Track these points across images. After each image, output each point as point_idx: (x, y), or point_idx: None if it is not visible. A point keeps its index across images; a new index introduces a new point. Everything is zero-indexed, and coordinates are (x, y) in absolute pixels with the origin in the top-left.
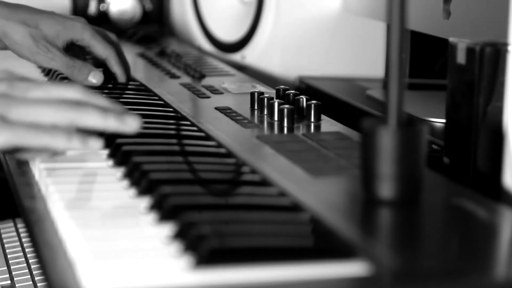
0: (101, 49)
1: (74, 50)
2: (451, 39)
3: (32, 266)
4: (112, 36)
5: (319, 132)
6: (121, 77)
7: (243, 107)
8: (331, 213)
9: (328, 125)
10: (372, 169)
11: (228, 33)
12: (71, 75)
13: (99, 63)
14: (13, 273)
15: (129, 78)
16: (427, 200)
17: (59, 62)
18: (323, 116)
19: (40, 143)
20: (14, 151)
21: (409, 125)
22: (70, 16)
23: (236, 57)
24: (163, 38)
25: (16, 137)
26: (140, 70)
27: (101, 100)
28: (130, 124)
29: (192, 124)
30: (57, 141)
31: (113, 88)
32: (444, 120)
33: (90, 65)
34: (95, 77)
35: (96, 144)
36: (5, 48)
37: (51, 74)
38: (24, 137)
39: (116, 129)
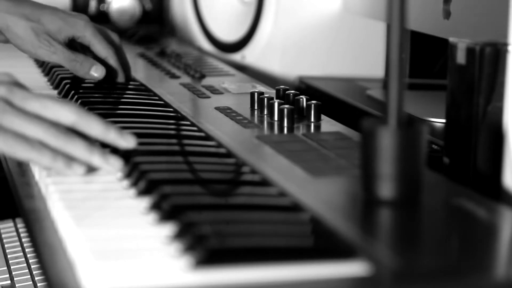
0: (101, 48)
1: (75, 47)
2: (451, 39)
3: (32, 266)
4: (115, 36)
5: (319, 132)
6: (120, 77)
7: (243, 107)
8: (331, 213)
9: (328, 125)
10: (372, 169)
11: (228, 33)
12: (73, 68)
13: (101, 62)
14: (13, 273)
15: (129, 79)
16: (427, 200)
17: (61, 56)
18: (323, 116)
19: (26, 156)
20: None
21: (409, 125)
22: (73, 12)
23: (236, 57)
24: (163, 38)
25: (4, 144)
26: (140, 70)
27: (94, 122)
28: (113, 163)
29: (192, 124)
30: (42, 159)
31: (114, 88)
32: (444, 120)
33: (92, 59)
34: (97, 71)
35: (79, 169)
36: (7, 41)
37: (51, 74)
38: (12, 146)
39: (99, 166)
